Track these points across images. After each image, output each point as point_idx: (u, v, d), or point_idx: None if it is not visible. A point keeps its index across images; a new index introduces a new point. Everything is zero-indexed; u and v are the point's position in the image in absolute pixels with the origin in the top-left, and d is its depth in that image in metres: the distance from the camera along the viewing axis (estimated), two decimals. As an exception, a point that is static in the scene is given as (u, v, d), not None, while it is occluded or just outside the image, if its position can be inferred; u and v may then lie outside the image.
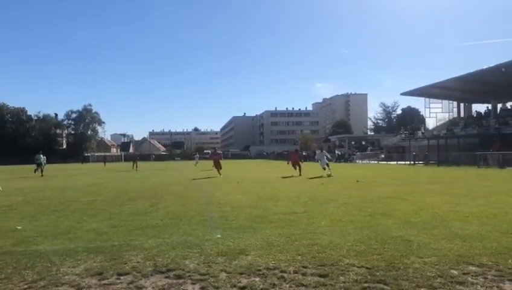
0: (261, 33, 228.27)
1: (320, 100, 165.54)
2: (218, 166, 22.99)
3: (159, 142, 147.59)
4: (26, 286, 4.04)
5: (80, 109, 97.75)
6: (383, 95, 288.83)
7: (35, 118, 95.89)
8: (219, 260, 4.79)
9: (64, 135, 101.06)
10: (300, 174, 21.02)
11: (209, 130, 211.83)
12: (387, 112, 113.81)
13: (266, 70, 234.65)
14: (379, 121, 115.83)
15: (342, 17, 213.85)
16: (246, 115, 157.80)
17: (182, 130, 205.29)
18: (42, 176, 26.28)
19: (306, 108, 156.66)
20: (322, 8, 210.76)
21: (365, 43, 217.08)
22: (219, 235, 6.05)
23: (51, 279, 4.22)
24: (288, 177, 20.22)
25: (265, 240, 5.74)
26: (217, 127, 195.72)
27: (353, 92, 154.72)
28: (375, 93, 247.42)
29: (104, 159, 60.08)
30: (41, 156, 29.10)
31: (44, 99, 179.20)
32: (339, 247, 5.26)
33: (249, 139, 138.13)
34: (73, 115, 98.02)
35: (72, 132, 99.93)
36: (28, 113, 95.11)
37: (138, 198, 11.78)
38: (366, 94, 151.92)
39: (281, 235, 5.99)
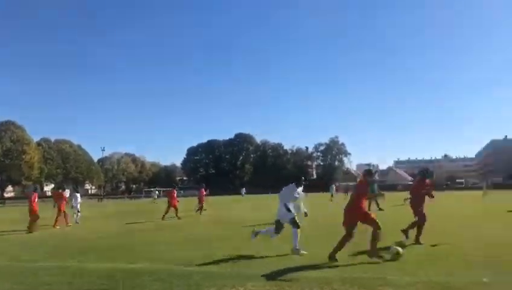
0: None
1: None
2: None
3: (405, 172, 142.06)
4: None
5: (327, 141, 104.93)
6: None
7: (290, 151, 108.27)
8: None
9: (313, 166, 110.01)
10: None
11: (461, 156, 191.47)
12: None
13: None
14: None
15: None
16: (508, 137, 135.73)
17: (430, 158, 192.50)
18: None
19: None
20: None
21: None
22: (486, 279, 5.30)
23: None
24: None
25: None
26: (471, 153, 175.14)
27: None
28: None
29: (346, 189, 55.93)
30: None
31: (297, 134, 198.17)
32: None
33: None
34: (321, 148, 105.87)
35: (321, 163, 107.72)
36: (284, 147, 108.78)
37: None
38: None
39: None
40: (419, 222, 8.74)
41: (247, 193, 67.02)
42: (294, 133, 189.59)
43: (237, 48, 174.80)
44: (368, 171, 7.79)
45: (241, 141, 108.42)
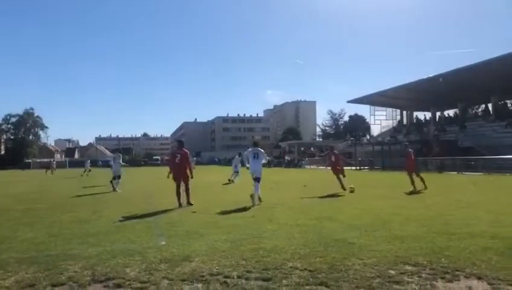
0: (214, 39, 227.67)
1: (271, 107, 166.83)
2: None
3: (106, 148, 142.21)
4: None
5: (21, 112, 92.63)
6: (331, 103, 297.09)
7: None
8: (161, 267, 4.67)
9: (2, 140, 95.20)
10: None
11: (159, 135, 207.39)
12: (334, 119, 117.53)
13: (218, 76, 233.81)
14: (327, 128, 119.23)
15: (292, 24, 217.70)
16: (197, 120, 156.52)
17: (130, 136, 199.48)
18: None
19: (257, 114, 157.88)
20: (272, 16, 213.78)
21: (314, 51, 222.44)
22: (163, 242, 5.91)
23: (-25, 293, 3.93)
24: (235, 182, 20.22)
25: (211, 245, 5.68)
26: (167, 133, 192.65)
27: (303, 100, 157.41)
28: (323, 100, 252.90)
29: (48, 165, 46.71)
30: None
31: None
32: (283, 251, 5.30)
33: (200, 145, 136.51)
34: (13, 119, 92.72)
35: (12, 137, 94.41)
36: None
37: (80, 205, 11.29)
38: (314, 102, 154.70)
39: (227, 241, 5.96)
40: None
41: None
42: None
43: None
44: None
45: None
